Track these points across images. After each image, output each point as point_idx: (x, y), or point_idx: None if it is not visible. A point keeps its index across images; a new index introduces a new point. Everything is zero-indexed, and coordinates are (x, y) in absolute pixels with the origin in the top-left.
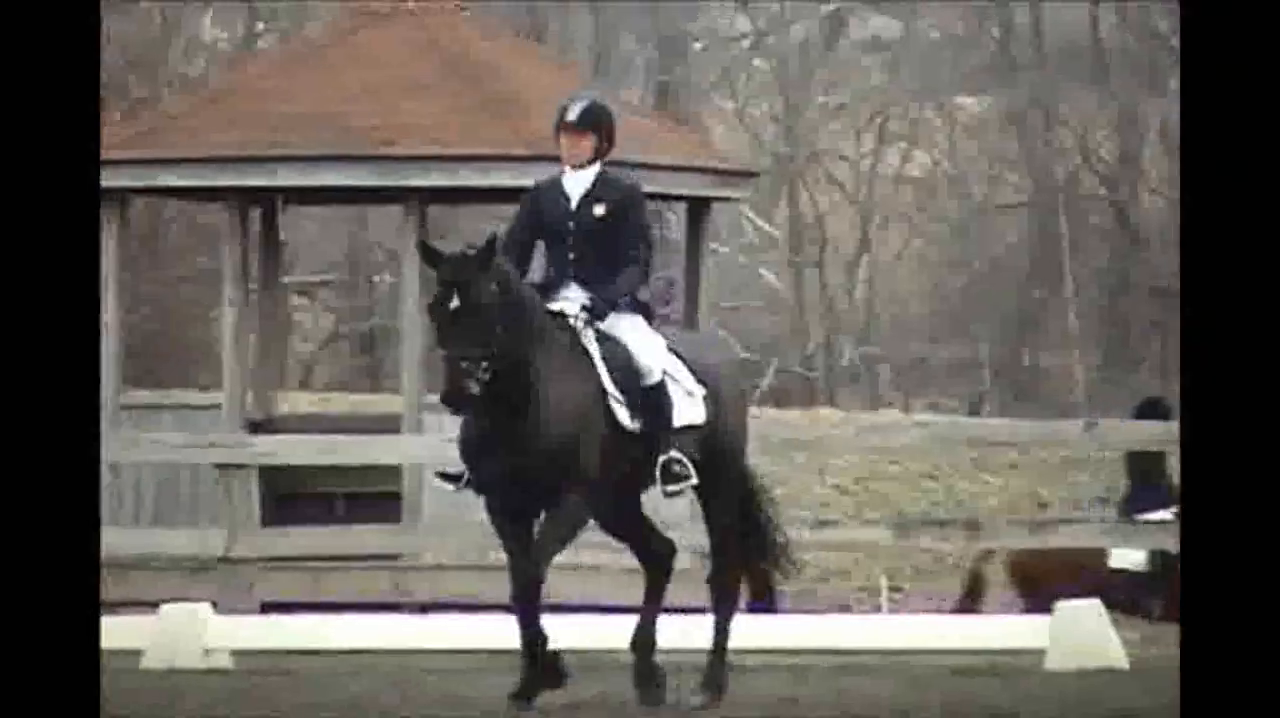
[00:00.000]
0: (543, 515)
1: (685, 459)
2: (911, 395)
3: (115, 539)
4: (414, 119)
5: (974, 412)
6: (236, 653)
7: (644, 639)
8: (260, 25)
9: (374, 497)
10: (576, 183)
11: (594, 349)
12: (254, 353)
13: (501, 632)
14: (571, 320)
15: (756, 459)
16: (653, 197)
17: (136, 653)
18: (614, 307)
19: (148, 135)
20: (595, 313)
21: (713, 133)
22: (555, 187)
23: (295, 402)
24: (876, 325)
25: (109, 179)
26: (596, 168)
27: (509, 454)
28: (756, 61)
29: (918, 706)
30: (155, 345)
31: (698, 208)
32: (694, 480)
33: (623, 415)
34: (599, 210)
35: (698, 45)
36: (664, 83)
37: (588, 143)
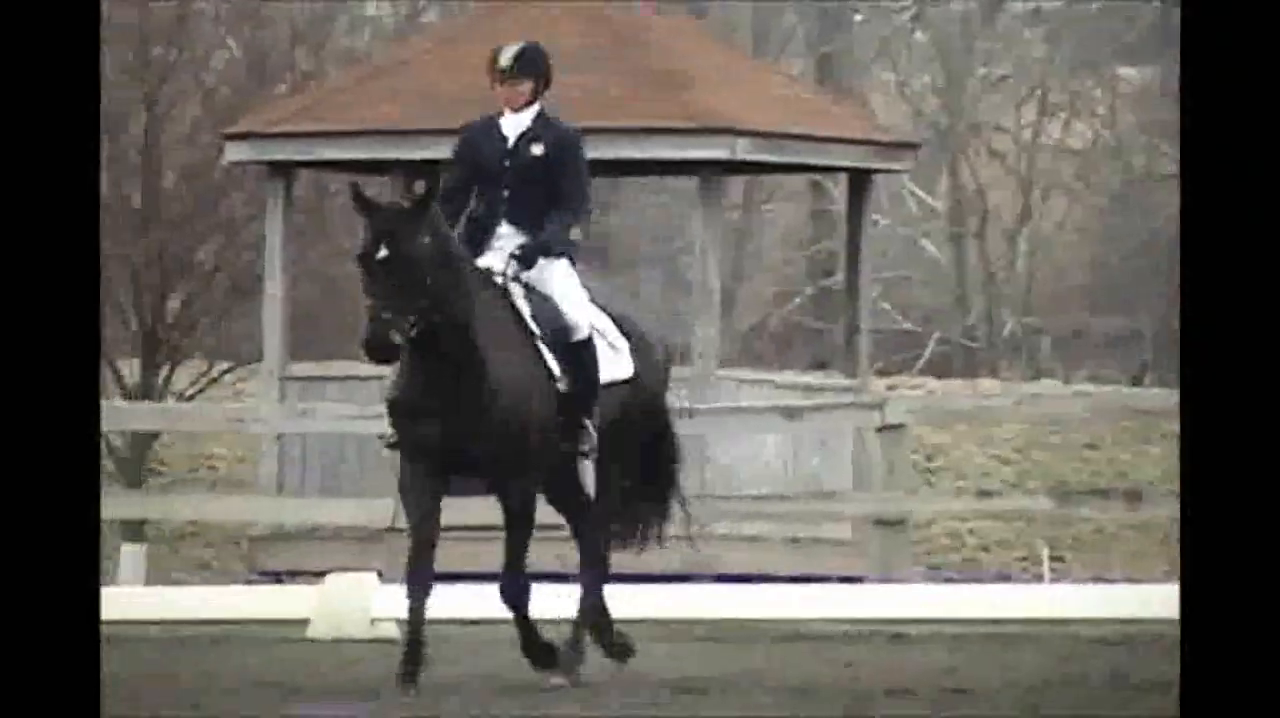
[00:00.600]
0: (456, 484)
1: (592, 428)
2: (1072, 366)
3: (282, 510)
4: (575, 91)
5: (1135, 383)
6: (403, 623)
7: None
8: (423, 1)
9: None
10: (514, 124)
11: (524, 306)
12: None
13: (661, 602)
14: (498, 278)
15: (919, 430)
16: (815, 168)
17: (303, 622)
18: (545, 252)
19: (313, 109)
20: (525, 260)
21: (874, 105)
22: (492, 126)
23: None
24: (1037, 297)
25: (275, 153)
26: (535, 109)
27: (451, 417)
28: (917, 34)
29: (1078, 675)
30: (320, 318)
31: (859, 180)
32: (594, 454)
33: (557, 374)
34: (536, 150)
35: (858, 18)
36: (825, 56)
37: (524, 86)
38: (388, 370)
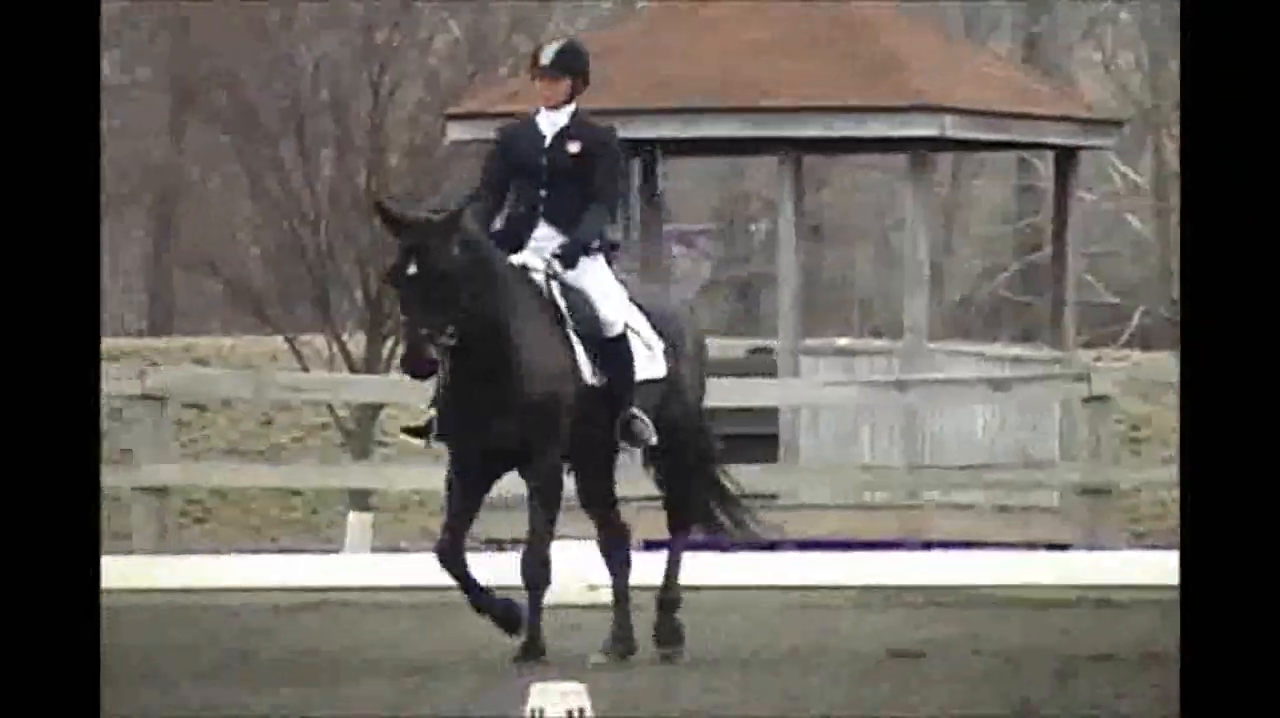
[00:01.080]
0: (500, 479)
1: (645, 418)
2: None
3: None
4: (790, 73)
5: None
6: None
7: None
8: None
9: (752, 438)
10: (551, 122)
11: (561, 303)
12: None
13: (874, 569)
14: (536, 275)
15: (1125, 401)
16: (1022, 146)
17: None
18: (585, 251)
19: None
20: (566, 261)
21: (1079, 84)
22: (529, 126)
23: None
24: None
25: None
26: (571, 108)
27: (489, 416)
28: (1122, 14)
29: None
30: None
31: (1065, 156)
32: (653, 441)
33: (586, 371)
34: (573, 149)
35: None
36: (1032, 36)
37: (563, 85)
38: None
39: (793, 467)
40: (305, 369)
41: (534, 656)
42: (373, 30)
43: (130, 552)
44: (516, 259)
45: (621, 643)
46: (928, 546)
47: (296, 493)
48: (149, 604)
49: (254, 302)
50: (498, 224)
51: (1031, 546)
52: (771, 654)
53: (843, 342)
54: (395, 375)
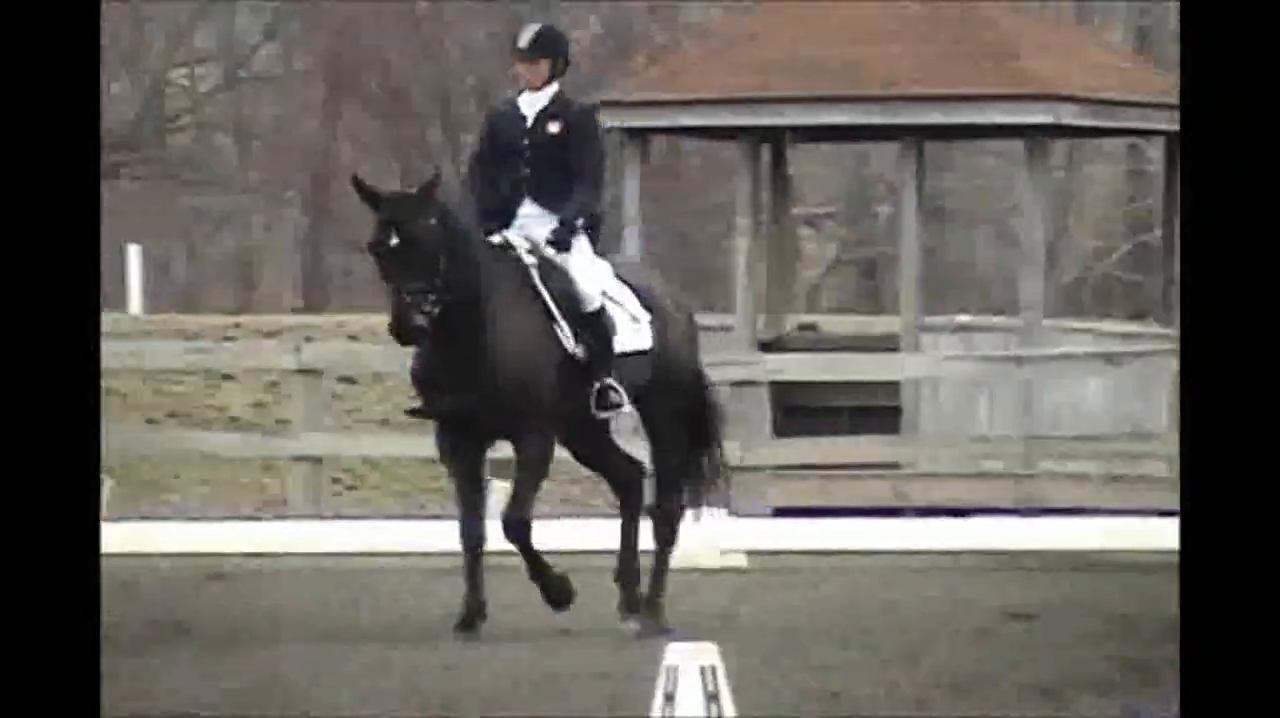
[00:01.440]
0: (493, 447)
1: (619, 386)
2: None
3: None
4: (912, 62)
5: None
6: (752, 553)
7: (626, 573)
8: None
9: (875, 410)
10: (532, 103)
11: (538, 279)
12: (764, 279)
13: (990, 535)
14: (517, 253)
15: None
16: (1134, 132)
17: None
18: (575, 232)
19: (667, 79)
20: (560, 245)
21: None
22: (511, 107)
23: (798, 323)
24: None
25: (633, 120)
26: (553, 89)
27: (466, 388)
28: None
29: None
30: (675, 272)
31: (1175, 142)
32: (626, 408)
33: (568, 343)
34: (554, 128)
35: None
36: (1143, 27)
37: (542, 67)
38: (734, 320)
39: (914, 437)
40: None
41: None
42: (516, 22)
43: (286, 517)
44: (499, 237)
45: (649, 612)
46: (1042, 512)
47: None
48: (316, 567)
49: None
50: (487, 203)
51: (1141, 513)
52: (894, 616)
53: (962, 319)
54: None
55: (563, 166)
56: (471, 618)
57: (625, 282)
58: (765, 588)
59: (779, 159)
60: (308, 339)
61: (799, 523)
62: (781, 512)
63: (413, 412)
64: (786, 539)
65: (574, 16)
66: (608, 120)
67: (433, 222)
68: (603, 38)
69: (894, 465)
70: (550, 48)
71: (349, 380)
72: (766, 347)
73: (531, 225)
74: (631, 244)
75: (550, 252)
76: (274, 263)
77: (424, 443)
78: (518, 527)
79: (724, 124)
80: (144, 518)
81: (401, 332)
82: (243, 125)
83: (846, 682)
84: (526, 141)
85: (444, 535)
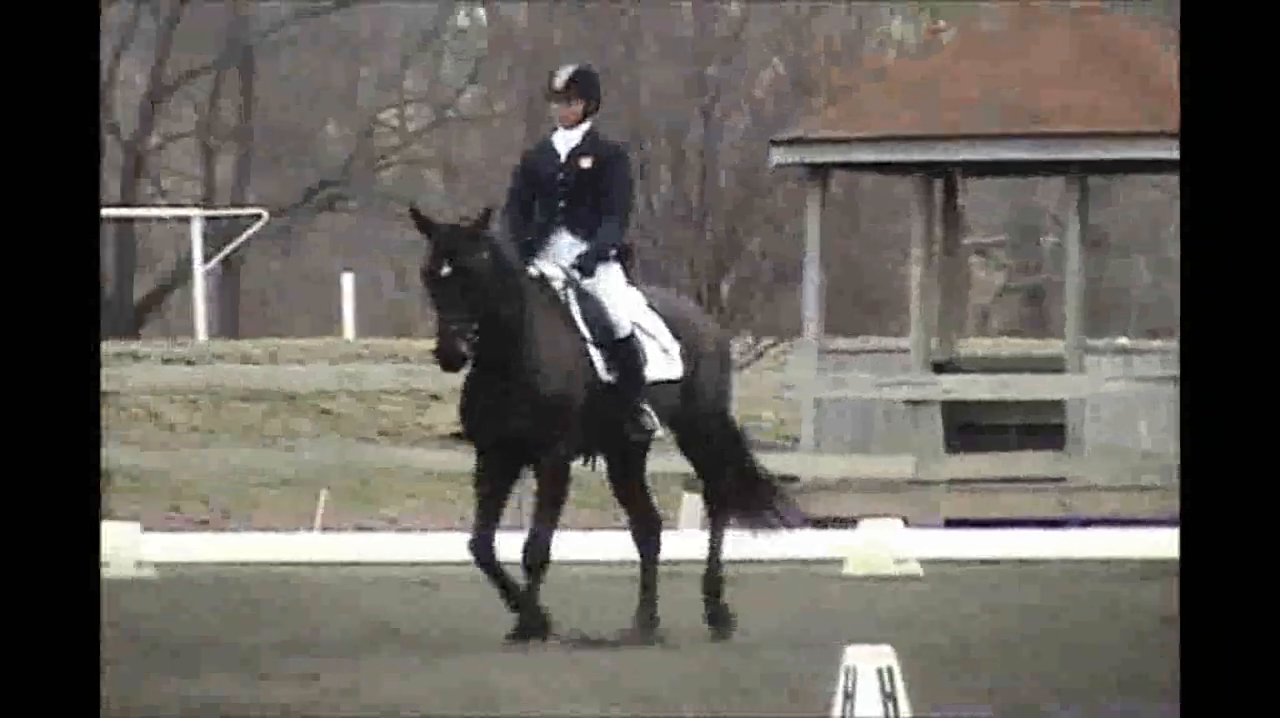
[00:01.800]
0: (519, 473)
1: (650, 411)
2: None
3: (820, 465)
4: (1072, 100)
5: None
6: (926, 562)
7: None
8: (941, 23)
9: (1041, 427)
10: (565, 140)
11: (575, 309)
12: (937, 305)
13: (1150, 545)
14: (554, 283)
15: None
16: None
17: (840, 562)
18: (601, 260)
19: (846, 118)
20: (585, 269)
21: None
22: (547, 145)
23: (973, 346)
24: None
25: (814, 156)
26: (585, 126)
27: (505, 414)
28: None
29: None
30: (853, 300)
31: None
32: (659, 433)
33: (601, 369)
34: (586, 163)
35: None
36: None
37: (576, 106)
38: (909, 343)
39: (1077, 453)
40: None
41: (532, 634)
42: (705, 65)
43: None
44: (535, 269)
45: (646, 622)
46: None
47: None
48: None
49: None
50: (526, 235)
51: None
52: (1060, 621)
53: (1122, 342)
54: None
55: (594, 199)
56: (531, 624)
57: (656, 311)
58: (938, 594)
59: (950, 192)
60: None
61: (970, 533)
62: (953, 523)
63: (455, 435)
64: (958, 548)
65: (760, 59)
66: (790, 157)
67: (484, 255)
68: (786, 79)
69: (1059, 479)
70: (584, 88)
71: None
72: (940, 368)
73: (565, 254)
74: (811, 273)
75: (575, 275)
76: None
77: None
78: (537, 553)
79: (899, 160)
80: (359, 529)
81: (444, 359)
82: (448, 162)
83: (1015, 683)
84: (561, 176)
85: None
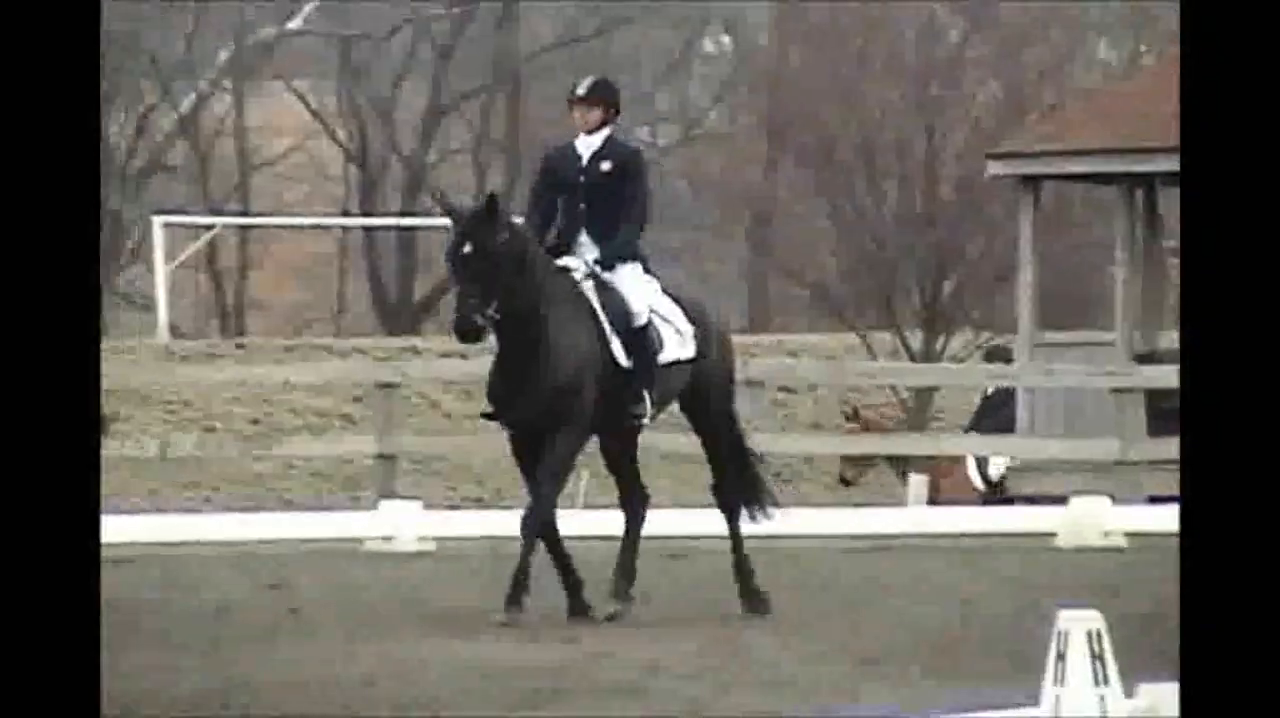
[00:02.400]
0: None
1: (650, 397)
2: None
3: (1034, 447)
4: None
5: None
6: (1130, 535)
7: (624, 567)
8: (1143, 47)
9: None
10: (587, 145)
11: (593, 297)
12: (1139, 302)
13: None
14: (575, 274)
15: None
16: None
17: (1051, 535)
18: (620, 257)
19: (1056, 133)
20: (606, 265)
21: None
22: (569, 149)
23: (1172, 339)
24: None
25: (1026, 168)
26: (605, 132)
27: (526, 395)
28: None
29: None
30: (1062, 298)
31: None
32: (646, 417)
33: (619, 354)
34: (605, 167)
35: None
36: None
37: (596, 112)
38: (1114, 336)
39: None
40: (874, 359)
41: (515, 603)
42: (928, 85)
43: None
44: (559, 261)
45: (623, 585)
46: None
47: (867, 460)
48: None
49: (833, 304)
50: (549, 234)
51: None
52: None
53: None
54: (948, 364)
55: (613, 201)
56: (518, 596)
57: (671, 296)
58: (1141, 565)
59: (1151, 199)
60: (752, 355)
61: (1170, 509)
62: (1155, 499)
63: (484, 415)
64: (1160, 523)
65: (978, 80)
66: (1006, 169)
67: (504, 236)
68: (1001, 99)
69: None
70: (604, 96)
71: (787, 389)
72: (1142, 359)
73: (586, 252)
74: (1025, 273)
75: (595, 269)
76: (723, 291)
77: (849, 442)
78: (535, 525)
79: (1104, 171)
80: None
81: (462, 330)
82: (696, 174)
83: None
84: (582, 179)
85: (868, 520)
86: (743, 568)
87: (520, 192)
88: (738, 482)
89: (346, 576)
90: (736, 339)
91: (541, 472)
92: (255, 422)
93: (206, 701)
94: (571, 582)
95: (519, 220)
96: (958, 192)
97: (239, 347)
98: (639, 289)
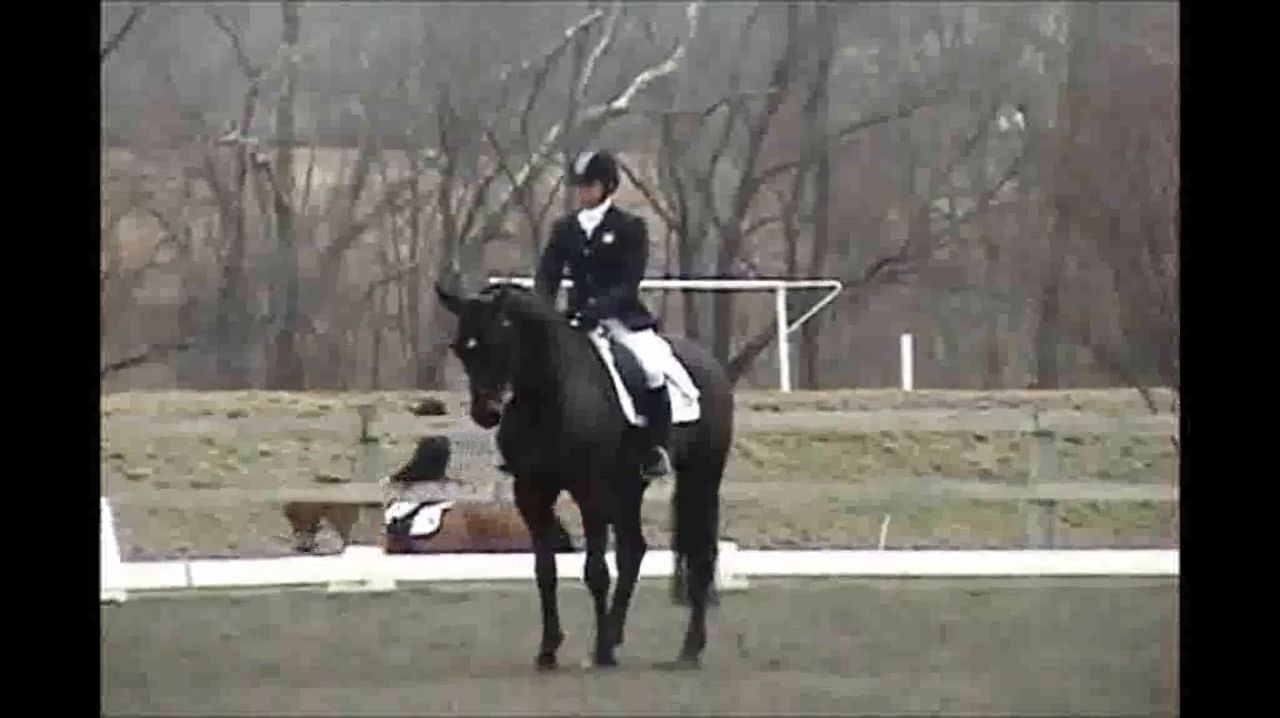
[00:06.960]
0: (555, 499)
1: (667, 455)
2: None
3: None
4: None
5: None
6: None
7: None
8: None
9: None
10: (590, 219)
11: (607, 357)
12: None
13: None
14: (592, 335)
15: None
16: None
17: None
18: (603, 316)
19: None
20: (588, 323)
21: None
22: (574, 223)
23: None
24: None
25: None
26: (605, 206)
27: (541, 449)
28: None
29: None
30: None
31: None
32: (667, 473)
33: (630, 414)
34: (608, 239)
35: None
36: None
37: (596, 189)
38: None
39: None
40: (1154, 413)
41: (604, 658)
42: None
43: (1026, 548)
44: (573, 322)
45: (610, 638)
46: None
47: (1146, 504)
48: (1050, 587)
49: (1115, 362)
50: (561, 302)
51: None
52: None
53: None
54: None
55: (616, 269)
56: (551, 650)
57: (679, 358)
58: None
59: None
60: (1042, 409)
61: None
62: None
63: (501, 468)
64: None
65: None
66: None
67: (506, 324)
68: None
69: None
70: (602, 173)
71: (1074, 441)
72: None
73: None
74: None
75: (584, 327)
76: (1014, 350)
77: (1134, 490)
78: (598, 576)
79: None
80: (915, 548)
81: (478, 419)
82: (990, 244)
83: None
84: (588, 253)
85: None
86: (698, 605)
87: (830, 261)
88: (700, 532)
89: (664, 615)
90: (1025, 395)
91: (588, 530)
92: None
93: None
94: (603, 624)
95: (528, 283)
96: None
97: None
98: (653, 352)
